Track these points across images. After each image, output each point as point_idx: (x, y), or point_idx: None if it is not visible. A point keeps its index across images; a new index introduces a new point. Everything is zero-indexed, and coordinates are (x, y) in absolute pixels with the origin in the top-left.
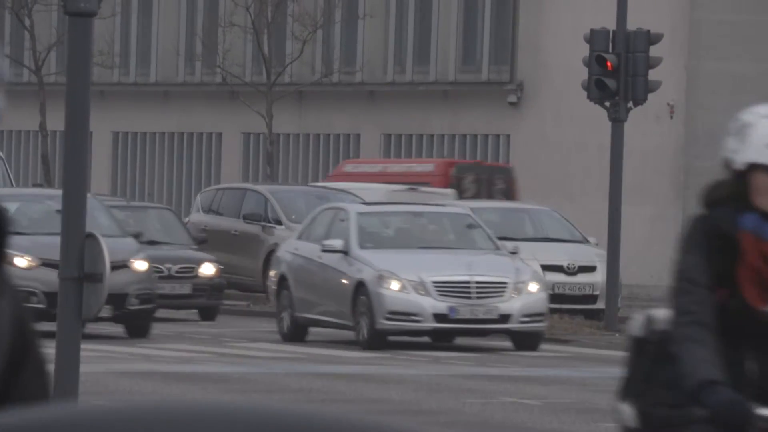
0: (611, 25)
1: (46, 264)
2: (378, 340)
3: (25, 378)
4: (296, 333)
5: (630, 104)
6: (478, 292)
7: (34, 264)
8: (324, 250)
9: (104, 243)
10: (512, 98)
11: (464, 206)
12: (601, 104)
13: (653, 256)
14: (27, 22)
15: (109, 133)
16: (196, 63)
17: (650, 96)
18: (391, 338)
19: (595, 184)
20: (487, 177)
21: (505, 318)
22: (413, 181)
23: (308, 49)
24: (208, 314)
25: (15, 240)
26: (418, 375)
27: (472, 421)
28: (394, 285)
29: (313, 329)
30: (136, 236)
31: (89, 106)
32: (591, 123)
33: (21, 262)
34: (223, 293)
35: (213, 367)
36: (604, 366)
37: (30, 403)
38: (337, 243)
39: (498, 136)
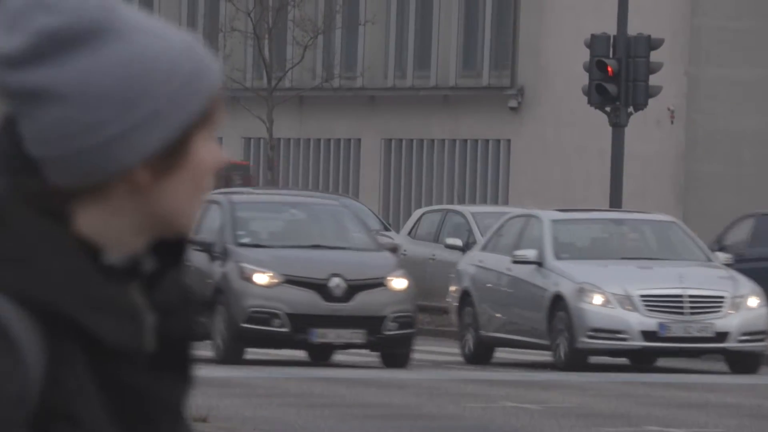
0: (612, 30)
1: (291, 281)
2: (578, 361)
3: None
4: (481, 354)
5: (630, 109)
6: (691, 308)
7: (275, 281)
8: (515, 262)
9: None
10: (513, 103)
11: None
12: (602, 109)
13: None
14: None
15: None
16: None
17: (651, 101)
18: (593, 359)
19: (596, 188)
20: (225, 173)
21: (721, 336)
22: None
23: (309, 54)
24: None
25: (254, 253)
26: (419, 379)
27: (473, 425)
28: (597, 299)
29: (500, 349)
30: (393, 250)
31: None
32: (591, 128)
33: (261, 278)
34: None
35: (213, 372)
36: (603, 371)
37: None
38: (530, 253)
39: (498, 141)
